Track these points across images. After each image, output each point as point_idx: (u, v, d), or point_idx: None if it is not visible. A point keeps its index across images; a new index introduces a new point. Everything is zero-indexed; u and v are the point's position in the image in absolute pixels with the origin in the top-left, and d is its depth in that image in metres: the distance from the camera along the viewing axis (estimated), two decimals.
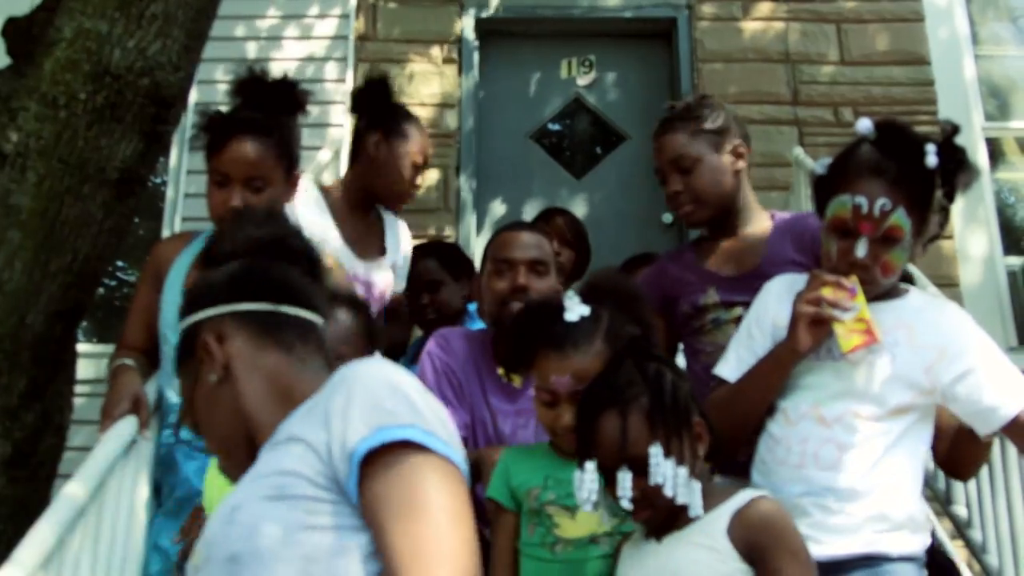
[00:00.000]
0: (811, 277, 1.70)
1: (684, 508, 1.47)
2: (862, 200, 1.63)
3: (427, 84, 4.64)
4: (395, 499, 0.98)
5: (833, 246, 1.68)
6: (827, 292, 1.64)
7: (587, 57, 4.87)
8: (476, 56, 4.74)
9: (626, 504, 1.45)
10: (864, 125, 1.70)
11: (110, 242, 2.28)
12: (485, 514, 1.98)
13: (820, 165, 1.77)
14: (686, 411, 1.51)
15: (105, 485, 1.91)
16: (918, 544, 1.65)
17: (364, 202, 2.71)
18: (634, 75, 4.89)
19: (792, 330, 1.67)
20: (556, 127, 4.93)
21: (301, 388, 1.20)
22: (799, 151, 4.22)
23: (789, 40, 4.65)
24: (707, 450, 1.55)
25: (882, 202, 1.62)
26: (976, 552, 2.65)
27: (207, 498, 1.82)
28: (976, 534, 2.64)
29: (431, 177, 4.55)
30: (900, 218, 1.63)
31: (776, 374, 1.71)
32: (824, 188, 1.73)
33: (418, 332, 3.13)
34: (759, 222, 2.23)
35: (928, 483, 2.55)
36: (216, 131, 2.05)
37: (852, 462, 1.62)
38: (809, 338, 1.66)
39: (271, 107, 2.08)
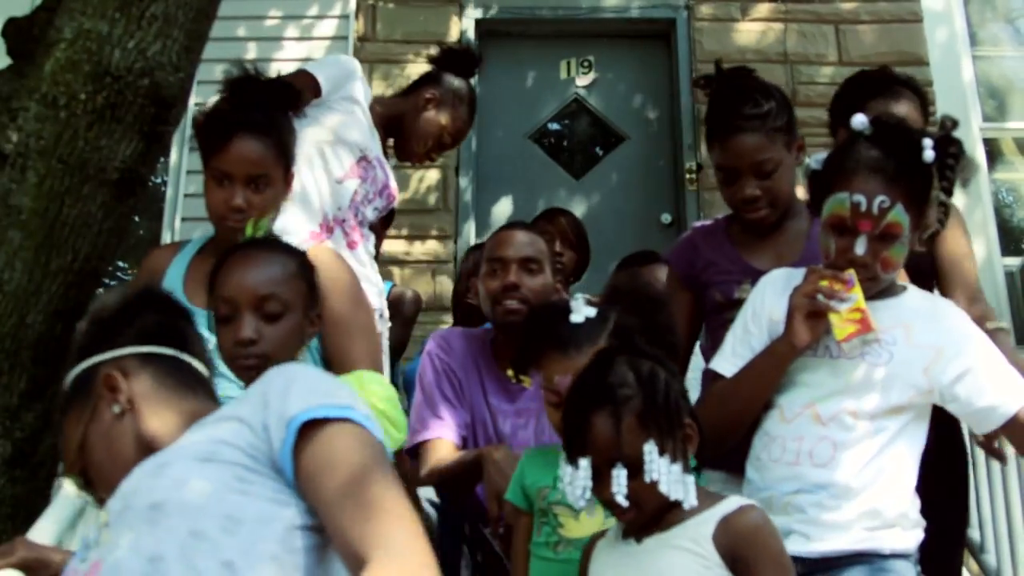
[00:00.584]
0: (808, 272, 1.70)
1: (668, 510, 1.46)
2: (860, 198, 1.63)
3: None
4: (339, 465, 1.00)
5: (831, 243, 1.68)
6: (824, 284, 1.65)
7: (586, 58, 4.88)
8: None
9: (622, 501, 1.43)
10: (860, 121, 1.71)
11: (110, 242, 2.28)
12: (486, 513, 1.98)
13: (815, 161, 1.77)
14: (678, 412, 1.50)
15: None
16: (911, 541, 1.65)
17: (384, 126, 2.75)
18: (633, 76, 4.89)
19: (789, 324, 1.68)
20: (555, 127, 4.93)
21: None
22: None
23: (787, 41, 4.66)
24: (696, 451, 1.54)
25: (880, 199, 1.62)
26: (974, 552, 2.66)
27: None
28: (975, 534, 2.65)
29: (431, 177, 4.56)
30: (898, 214, 1.63)
31: (773, 370, 1.71)
32: (820, 184, 1.73)
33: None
34: (799, 214, 2.13)
35: None
36: (216, 129, 2.03)
37: (847, 460, 1.63)
38: (806, 333, 1.66)
39: (263, 106, 2.07)
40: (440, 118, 2.74)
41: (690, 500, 1.45)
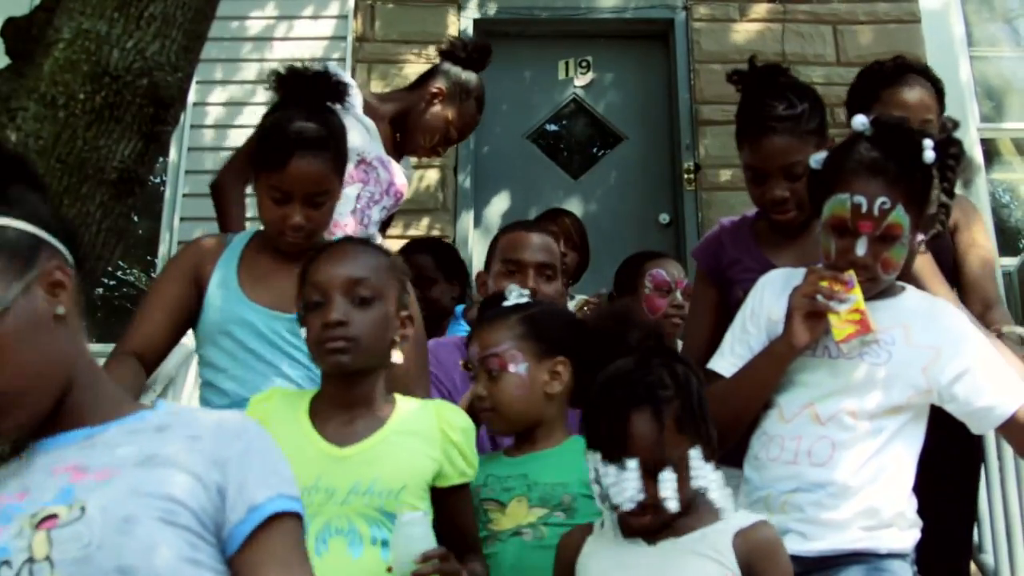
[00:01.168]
0: (807, 272, 1.70)
1: (683, 515, 1.47)
2: (861, 199, 1.63)
3: None
4: (281, 563, 1.06)
5: (832, 244, 1.68)
6: (824, 285, 1.65)
7: (584, 58, 4.88)
8: None
9: (673, 505, 1.43)
10: (860, 121, 1.71)
11: (109, 242, 2.28)
12: None
13: (815, 160, 1.77)
14: (709, 417, 1.51)
15: None
16: (908, 540, 1.66)
17: (391, 121, 2.74)
18: (631, 76, 4.90)
19: (788, 325, 1.68)
20: (553, 127, 4.94)
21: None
22: None
23: (785, 41, 4.67)
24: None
25: (881, 200, 1.62)
26: (973, 552, 2.66)
27: None
28: (973, 534, 2.65)
29: (430, 177, 4.56)
30: (899, 216, 1.63)
31: (772, 370, 1.71)
32: (820, 184, 1.73)
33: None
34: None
35: None
36: (273, 146, 1.96)
37: (845, 459, 1.63)
38: (806, 333, 1.66)
39: (311, 101, 2.04)
40: (446, 112, 2.72)
41: (729, 510, 1.47)
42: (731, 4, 4.77)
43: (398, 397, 1.69)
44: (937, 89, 2.46)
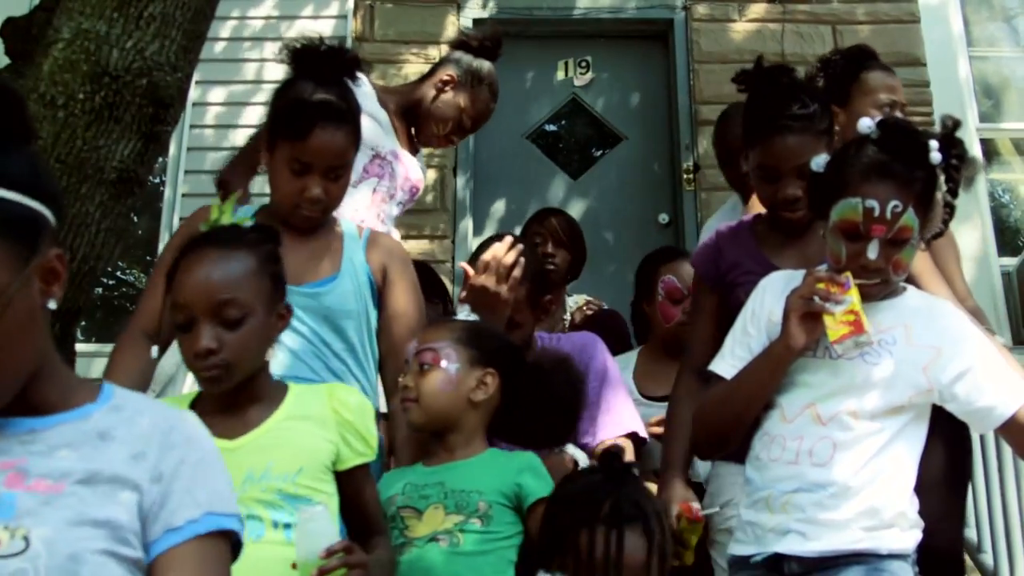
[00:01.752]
0: (806, 275, 1.70)
1: None
2: (874, 203, 1.63)
3: None
4: None
5: (841, 248, 1.67)
6: (820, 287, 1.65)
7: (584, 58, 4.88)
8: None
9: None
10: (866, 124, 1.71)
11: (108, 242, 2.28)
12: None
13: (817, 163, 1.77)
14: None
15: None
16: (909, 541, 1.66)
17: (404, 113, 2.71)
18: (631, 76, 4.90)
19: (785, 327, 1.68)
20: (553, 128, 4.94)
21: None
22: None
23: (784, 41, 4.67)
24: None
25: (893, 204, 1.62)
26: (972, 551, 2.66)
27: None
28: (971, 533, 2.66)
29: (429, 177, 4.55)
30: (910, 218, 1.63)
31: (772, 372, 1.71)
32: (823, 187, 1.73)
33: None
34: None
35: None
36: (296, 116, 1.93)
37: (846, 459, 1.63)
38: (803, 335, 1.66)
39: (327, 75, 2.00)
40: (458, 100, 2.66)
41: None
42: (730, 4, 4.78)
43: (291, 384, 1.65)
44: None
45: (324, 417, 1.59)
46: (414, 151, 2.75)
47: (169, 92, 2.29)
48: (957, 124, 1.71)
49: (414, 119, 2.71)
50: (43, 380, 1.05)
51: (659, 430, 2.32)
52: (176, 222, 4.42)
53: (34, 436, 1.02)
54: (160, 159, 3.91)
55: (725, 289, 2.06)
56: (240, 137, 4.44)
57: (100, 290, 4.69)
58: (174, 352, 2.03)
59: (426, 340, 1.84)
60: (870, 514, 1.62)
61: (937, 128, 1.72)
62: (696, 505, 1.89)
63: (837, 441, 1.64)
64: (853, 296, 1.63)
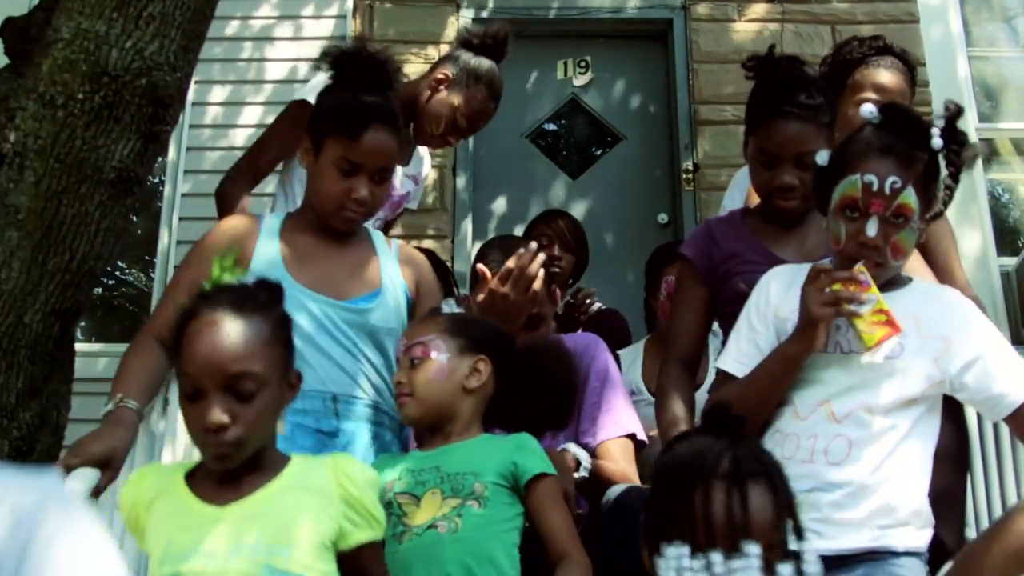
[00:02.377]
0: (812, 271, 1.69)
1: None
2: (872, 178, 1.63)
3: None
4: None
5: (841, 228, 1.67)
6: (838, 288, 1.63)
7: (583, 58, 4.88)
8: None
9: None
10: (869, 110, 1.72)
11: (108, 242, 2.28)
12: None
13: (820, 157, 1.77)
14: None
15: None
16: (923, 539, 1.65)
17: (402, 110, 2.71)
18: (630, 76, 4.90)
19: (810, 332, 1.65)
20: (552, 127, 4.94)
21: None
22: None
23: (784, 41, 4.66)
24: None
25: (892, 179, 1.62)
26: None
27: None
28: (971, 532, 2.66)
29: (429, 177, 4.55)
30: (909, 196, 1.63)
31: (787, 373, 1.70)
32: (827, 177, 1.73)
33: None
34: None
35: None
36: (349, 116, 1.93)
37: (862, 458, 1.62)
38: (825, 336, 1.66)
39: (370, 81, 2.00)
40: (452, 99, 2.64)
41: None
42: (730, 4, 4.78)
43: (295, 455, 1.55)
44: (912, 75, 2.49)
45: (327, 490, 1.48)
46: (410, 150, 2.75)
47: (168, 92, 2.29)
48: (960, 110, 1.71)
49: (411, 118, 2.70)
50: None
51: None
52: (175, 221, 4.41)
53: None
54: (160, 159, 3.91)
55: (717, 280, 2.05)
56: (240, 137, 4.45)
57: (99, 290, 4.69)
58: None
59: (413, 335, 1.84)
60: (886, 512, 1.61)
61: (940, 114, 1.73)
62: None
63: (852, 439, 1.63)
64: (875, 294, 1.61)
